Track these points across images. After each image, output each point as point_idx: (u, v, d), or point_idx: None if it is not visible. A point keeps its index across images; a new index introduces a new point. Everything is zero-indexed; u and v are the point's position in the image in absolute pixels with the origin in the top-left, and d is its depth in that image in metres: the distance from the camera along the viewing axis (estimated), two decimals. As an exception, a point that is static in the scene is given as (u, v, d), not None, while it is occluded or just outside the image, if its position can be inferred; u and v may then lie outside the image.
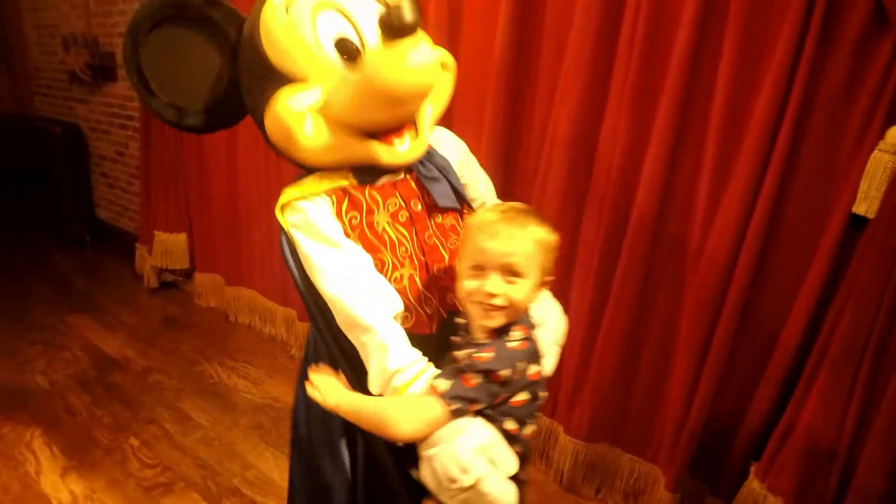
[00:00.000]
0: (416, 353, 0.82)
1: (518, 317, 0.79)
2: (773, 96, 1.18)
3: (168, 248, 2.78)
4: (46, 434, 1.75)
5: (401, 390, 0.78)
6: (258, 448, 1.74)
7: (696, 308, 1.36)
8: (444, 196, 0.92)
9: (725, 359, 1.33)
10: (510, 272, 0.76)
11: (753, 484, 1.30)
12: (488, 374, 0.73)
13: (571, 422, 1.62)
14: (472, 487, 0.73)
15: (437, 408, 0.72)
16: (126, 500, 1.51)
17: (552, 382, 1.58)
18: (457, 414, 0.72)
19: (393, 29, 0.72)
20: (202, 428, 1.82)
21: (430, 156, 0.94)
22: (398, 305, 0.85)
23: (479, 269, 0.78)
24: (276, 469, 1.64)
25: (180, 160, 2.70)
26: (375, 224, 0.88)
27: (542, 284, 0.79)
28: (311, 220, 0.86)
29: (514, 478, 0.79)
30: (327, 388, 0.79)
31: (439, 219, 0.93)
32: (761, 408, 1.32)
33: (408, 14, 0.71)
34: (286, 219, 0.89)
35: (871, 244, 1.12)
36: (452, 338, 0.87)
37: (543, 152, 1.52)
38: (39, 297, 2.73)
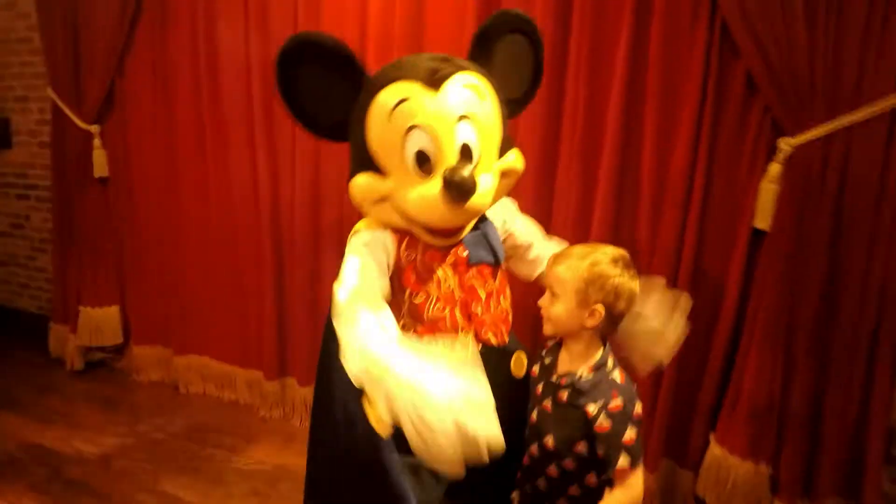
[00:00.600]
0: (394, 333, 0.90)
1: (559, 331, 1.03)
2: (688, 145, 1.55)
3: (98, 324, 2.57)
4: (16, 548, 1.56)
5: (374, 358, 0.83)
6: (263, 513, 1.72)
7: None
8: (476, 256, 1.10)
9: (676, 357, 1.64)
10: (551, 292, 0.99)
11: (715, 450, 1.61)
12: (633, 418, 0.96)
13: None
14: (460, 434, 0.75)
15: (640, 476, 0.96)
16: None
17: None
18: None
19: (451, 190, 0.93)
20: (195, 505, 1.74)
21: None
22: (389, 325, 0.92)
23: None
24: (289, 529, 1.64)
25: (106, 228, 2.55)
26: (427, 262, 1.05)
27: (587, 310, 1.00)
28: (365, 242, 1.04)
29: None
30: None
31: (480, 265, 1.11)
32: (710, 388, 1.64)
33: (466, 186, 0.92)
34: (350, 242, 1.06)
35: (770, 250, 1.51)
36: (544, 358, 1.09)
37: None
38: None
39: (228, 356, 2.43)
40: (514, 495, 1.10)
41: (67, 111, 2.44)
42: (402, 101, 0.97)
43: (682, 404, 1.69)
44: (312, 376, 2.19)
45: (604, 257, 1.01)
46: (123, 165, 2.47)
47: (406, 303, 1.06)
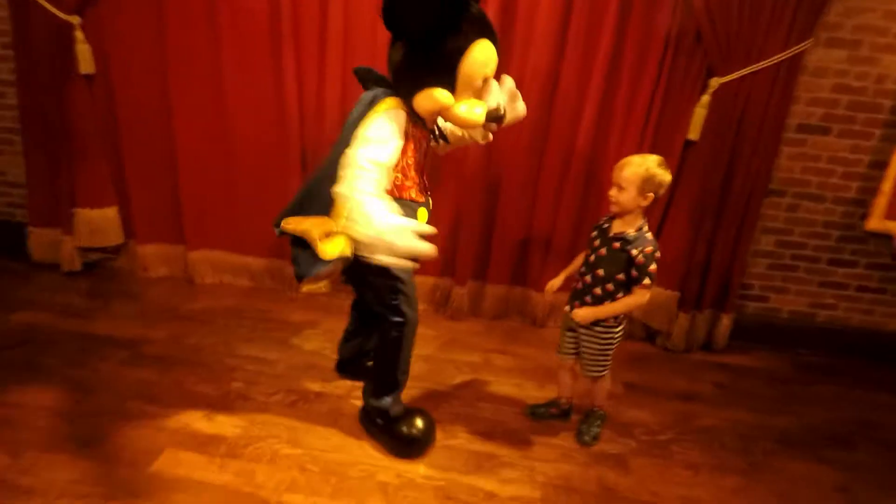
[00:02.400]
0: (376, 194, 1.38)
1: (624, 211, 1.64)
2: (653, 78, 2.19)
3: (99, 225, 2.62)
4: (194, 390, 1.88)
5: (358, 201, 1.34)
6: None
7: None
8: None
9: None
10: (619, 187, 1.61)
11: (648, 286, 2.48)
12: (655, 259, 1.62)
13: (537, 280, 2.57)
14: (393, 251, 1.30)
15: (649, 292, 1.64)
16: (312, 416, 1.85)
17: (531, 255, 2.50)
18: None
19: (491, 120, 1.50)
20: (281, 361, 2.17)
21: None
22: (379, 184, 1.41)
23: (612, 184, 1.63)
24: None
25: (95, 128, 2.50)
26: (421, 139, 1.58)
27: (644, 198, 1.61)
28: (394, 119, 1.46)
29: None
30: (584, 315, 1.69)
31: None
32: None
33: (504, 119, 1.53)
34: (384, 113, 1.45)
35: (695, 154, 2.27)
36: (605, 225, 1.73)
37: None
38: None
39: (244, 248, 2.70)
40: (566, 308, 1.78)
41: (39, -1, 2.26)
42: (491, 57, 1.44)
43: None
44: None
45: (653, 163, 1.61)
46: (115, 60, 2.40)
47: (403, 163, 1.53)
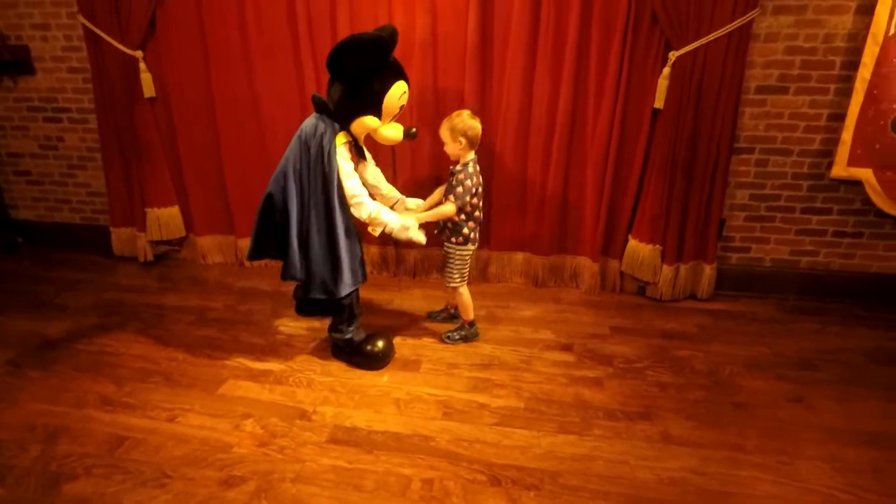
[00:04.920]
0: (379, 205, 2.04)
1: (454, 156, 2.16)
2: (617, 56, 2.50)
3: (166, 221, 3.16)
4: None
5: (375, 214, 2.01)
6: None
7: (594, 162, 2.71)
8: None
9: (611, 188, 2.73)
10: (444, 141, 2.11)
11: (631, 242, 2.78)
12: (464, 186, 2.08)
13: (535, 245, 2.92)
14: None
15: (452, 206, 2.11)
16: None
17: (527, 222, 2.85)
18: (461, 206, 2.10)
19: (406, 136, 2.03)
20: (315, 321, 2.61)
21: None
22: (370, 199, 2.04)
23: None
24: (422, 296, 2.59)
25: (158, 142, 3.03)
26: (355, 155, 2.06)
27: (458, 143, 2.10)
28: (345, 157, 1.97)
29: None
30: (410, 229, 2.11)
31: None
32: (627, 207, 2.77)
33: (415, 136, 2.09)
34: (338, 151, 1.94)
35: (662, 121, 2.56)
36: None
37: (503, 101, 2.66)
38: (56, 315, 2.90)
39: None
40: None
41: (109, 39, 2.81)
42: (404, 92, 1.97)
43: (612, 219, 2.82)
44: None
45: (457, 115, 2.12)
46: (171, 84, 2.93)
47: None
